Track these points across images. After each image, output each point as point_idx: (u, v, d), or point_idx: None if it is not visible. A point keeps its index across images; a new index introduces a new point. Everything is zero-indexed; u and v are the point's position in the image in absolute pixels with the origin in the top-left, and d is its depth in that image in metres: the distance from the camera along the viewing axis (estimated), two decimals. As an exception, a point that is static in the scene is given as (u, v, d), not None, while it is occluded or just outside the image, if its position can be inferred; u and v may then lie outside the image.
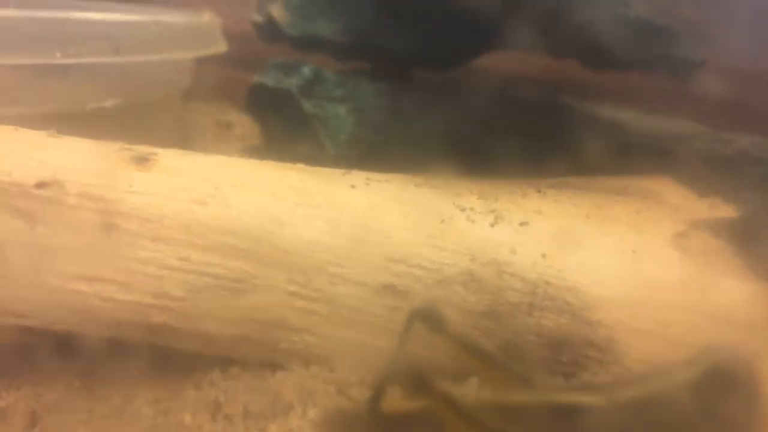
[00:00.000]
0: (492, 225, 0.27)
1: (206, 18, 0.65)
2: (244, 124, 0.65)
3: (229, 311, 0.25)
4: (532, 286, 0.24)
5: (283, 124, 0.58)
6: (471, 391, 0.23)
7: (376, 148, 0.47)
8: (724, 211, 0.26)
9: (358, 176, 0.30)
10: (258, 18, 0.64)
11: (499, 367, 0.23)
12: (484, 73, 0.62)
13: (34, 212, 0.26)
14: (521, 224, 0.27)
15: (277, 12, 0.63)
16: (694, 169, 0.38)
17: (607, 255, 0.25)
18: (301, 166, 0.31)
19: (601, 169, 0.33)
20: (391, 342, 0.24)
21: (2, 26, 0.41)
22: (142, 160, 0.28)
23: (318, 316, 0.25)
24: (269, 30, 0.63)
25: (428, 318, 0.22)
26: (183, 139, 0.65)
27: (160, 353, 0.26)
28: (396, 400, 0.20)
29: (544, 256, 0.25)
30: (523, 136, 0.41)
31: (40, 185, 0.27)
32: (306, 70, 0.58)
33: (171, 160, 0.29)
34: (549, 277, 0.24)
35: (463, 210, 0.28)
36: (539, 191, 0.30)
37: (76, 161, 0.28)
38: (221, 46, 0.66)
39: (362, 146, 0.47)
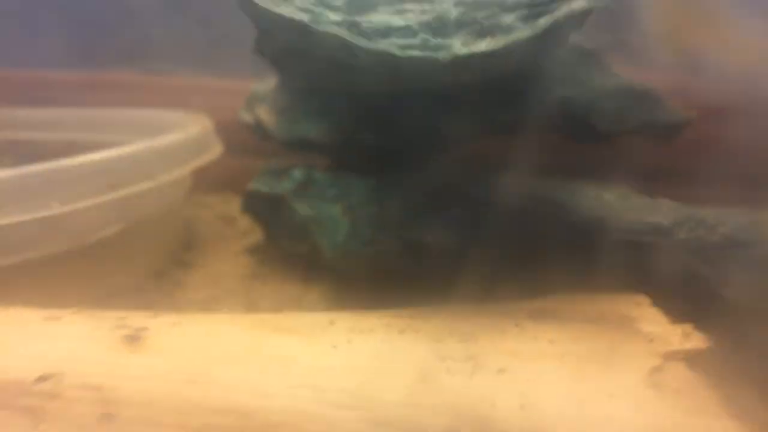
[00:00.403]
0: (471, 375, 0.28)
1: (199, 126, 0.67)
2: (248, 218, 0.66)
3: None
4: (513, 443, 0.25)
5: (282, 226, 0.60)
6: None
7: (370, 258, 0.48)
8: (697, 340, 0.27)
9: (341, 330, 0.31)
10: (247, 118, 0.66)
11: None
12: (468, 163, 0.63)
13: (36, 409, 0.28)
14: (499, 371, 0.28)
15: (264, 114, 0.65)
16: (674, 277, 0.39)
17: (584, 402, 0.26)
18: (285, 320, 0.32)
19: (579, 283, 0.33)
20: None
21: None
22: (134, 340, 0.30)
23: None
24: (258, 131, 0.65)
25: None
26: (188, 242, 0.67)
27: None
28: None
29: (522, 407, 0.26)
30: (512, 245, 0.42)
31: (40, 380, 0.28)
32: (297, 174, 0.59)
33: (161, 337, 0.30)
34: (529, 431, 0.25)
35: (443, 360, 0.28)
36: (517, 325, 0.30)
37: (72, 348, 0.29)
38: (216, 150, 0.68)
39: (357, 254, 0.48)
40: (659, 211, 0.43)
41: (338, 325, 0.31)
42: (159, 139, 0.58)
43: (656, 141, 0.54)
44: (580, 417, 0.25)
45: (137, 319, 0.32)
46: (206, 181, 0.84)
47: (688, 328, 0.28)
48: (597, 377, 0.27)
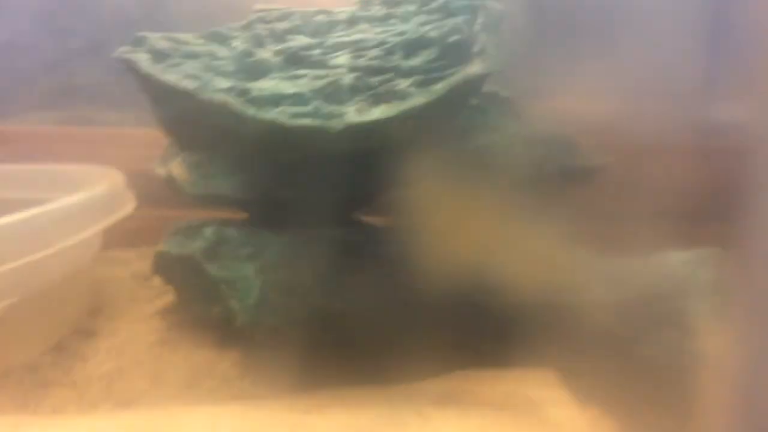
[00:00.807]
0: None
1: (107, 182, 0.63)
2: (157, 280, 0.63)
3: None
4: None
5: (194, 288, 0.57)
6: None
7: (280, 327, 0.45)
8: (605, 427, 0.26)
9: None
10: (161, 172, 0.63)
11: None
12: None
13: None
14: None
15: (177, 170, 0.62)
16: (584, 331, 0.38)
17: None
18: (162, 423, 0.30)
19: (490, 353, 0.32)
20: None
21: None
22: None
23: None
24: (171, 186, 0.62)
25: None
26: (95, 307, 0.62)
27: None
28: None
29: None
30: (420, 313, 0.40)
31: None
32: (208, 232, 0.57)
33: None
34: None
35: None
36: (420, 414, 0.29)
37: None
38: (129, 207, 0.65)
39: (268, 322, 0.46)
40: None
41: (222, 425, 0.29)
42: (57, 202, 0.55)
43: (574, 186, 0.54)
44: None
45: None
46: (122, 234, 0.80)
47: (596, 412, 0.26)
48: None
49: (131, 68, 0.36)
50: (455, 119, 0.50)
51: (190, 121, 0.39)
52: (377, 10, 0.49)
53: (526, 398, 0.28)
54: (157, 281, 0.68)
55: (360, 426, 0.28)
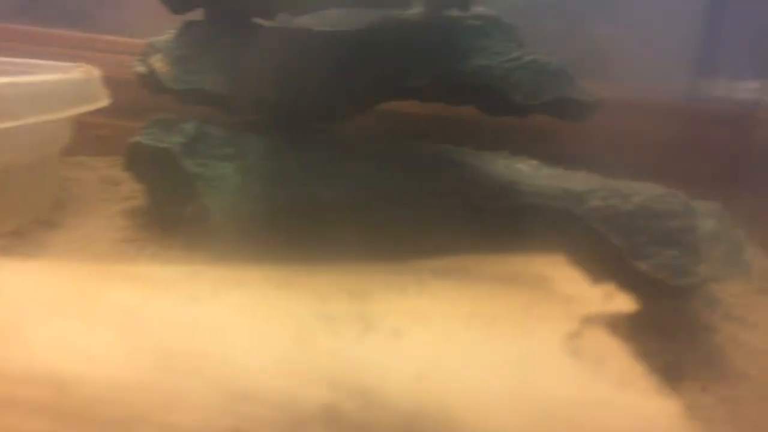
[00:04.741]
0: (360, 339, 0.22)
1: (82, 71, 0.59)
2: (132, 181, 0.59)
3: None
4: (406, 422, 0.20)
5: (167, 185, 0.53)
6: None
7: (264, 215, 0.42)
8: (620, 302, 0.23)
9: (206, 280, 0.25)
10: (141, 69, 0.59)
11: None
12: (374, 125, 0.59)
13: None
14: (394, 334, 0.23)
15: (159, 64, 0.58)
16: (589, 238, 0.36)
17: (493, 373, 0.21)
18: (137, 270, 0.26)
19: (491, 243, 0.29)
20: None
21: None
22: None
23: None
24: (152, 82, 0.58)
25: None
26: (60, 202, 0.58)
27: None
28: None
29: (419, 378, 0.21)
30: (417, 203, 0.38)
31: None
32: (189, 128, 0.53)
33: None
34: (426, 408, 0.20)
35: (327, 320, 0.23)
36: (419, 283, 0.26)
37: None
38: (103, 101, 0.61)
39: (250, 211, 0.42)
40: (572, 179, 0.40)
41: (205, 275, 0.25)
42: (30, 77, 0.51)
43: (567, 120, 0.52)
44: (488, 390, 0.21)
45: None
46: (92, 141, 0.76)
47: (610, 288, 0.24)
48: (508, 342, 0.22)
49: None
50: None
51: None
52: None
53: (533, 275, 0.25)
54: (128, 187, 0.64)
55: (353, 288, 0.25)
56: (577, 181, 0.41)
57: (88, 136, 0.71)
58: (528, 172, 0.43)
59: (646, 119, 0.67)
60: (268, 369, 0.21)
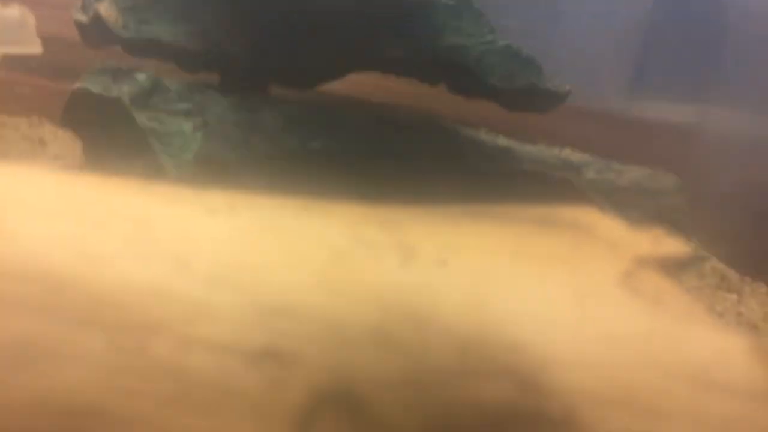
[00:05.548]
0: (403, 266, 0.20)
1: (15, 11, 0.54)
2: (61, 141, 0.54)
3: (11, 393, 0.16)
4: (462, 345, 0.18)
5: (112, 140, 0.48)
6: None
7: (233, 169, 0.39)
8: (670, 246, 0.22)
9: (219, 197, 0.22)
10: (82, 17, 0.54)
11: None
12: (349, 94, 0.57)
13: None
14: (439, 264, 0.21)
15: (106, 10, 0.53)
16: (598, 201, 0.36)
17: (548, 302, 0.20)
18: (133, 183, 0.23)
19: (508, 196, 0.28)
20: None
21: None
22: None
23: (157, 399, 0.17)
24: (96, 31, 0.53)
25: (342, 403, 0.15)
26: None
27: None
28: None
29: (474, 305, 0.19)
30: (413, 159, 0.36)
31: None
32: (142, 78, 0.49)
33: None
34: (482, 333, 0.18)
35: (365, 245, 0.21)
36: (452, 220, 0.24)
37: None
38: (35, 47, 0.55)
39: (214, 166, 0.39)
40: (565, 151, 0.41)
41: (214, 195, 0.22)
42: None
43: (535, 109, 0.53)
44: (548, 319, 0.19)
45: None
46: (11, 100, 0.69)
47: (658, 233, 0.23)
48: (559, 278, 0.21)
49: None
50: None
51: None
52: None
53: (571, 220, 0.24)
54: (55, 147, 0.58)
55: (386, 218, 0.23)
56: (570, 152, 0.41)
57: (6, 94, 0.64)
58: (515, 145, 0.43)
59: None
60: (306, 284, 0.19)
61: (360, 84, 0.54)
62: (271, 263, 0.19)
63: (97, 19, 0.52)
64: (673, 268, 0.22)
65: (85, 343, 0.17)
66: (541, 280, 0.21)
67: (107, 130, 0.48)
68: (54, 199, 0.20)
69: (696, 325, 0.20)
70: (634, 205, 0.38)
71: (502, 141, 0.44)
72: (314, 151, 0.39)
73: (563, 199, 0.36)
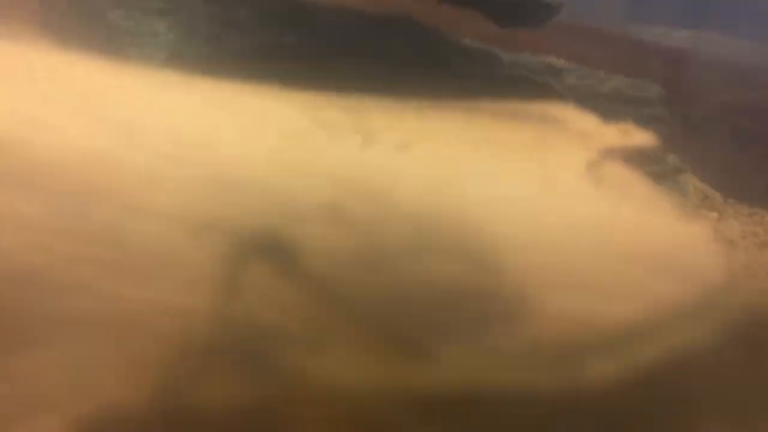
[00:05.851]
0: (363, 148, 0.20)
1: None
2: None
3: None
4: (418, 224, 0.18)
5: (82, 41, 0.47)
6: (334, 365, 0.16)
7: (205, 64, 0.38)
8: (639, 138, 0.22)
9: (177, 77, 0.21)
10: None
11: (376, 328, 0.16)
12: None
13: None
14: (400, 147, 0.20)
15: None
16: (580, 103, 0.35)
17: (511, 187, 0.19)
18: (89, 58, 0.22)
19: (484, 93, 0.27)
20: (217, 305, 0.16)
21: None
22: None
23: (96, 265, 0.16)
24: None
25: (273, 253, 0.14)
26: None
27: None
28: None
29: (433, 186, 0.19)
30: (386, 55, 0.35)
31: None
32: (116, -25, 0.46)
33: None
34: (440, 213, 0.18)
35: (324, 127, 0.20)
36: (418, 109, 0.23)
37: None
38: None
39: (186, 62, 0.37)
40: (549, 59, 0.40)
41: (170, 75, 0.22)
42: None
43: (529, 23, 0.52)
44: (509, 204, 0.19)
45: None
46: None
47: (627, 126, 0.22)
48: (525, 166, 0.20)
49: None
50: None
51: None
52: None
53: (541, 113, 0.24)
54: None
55: (348, 104, 0.22)
56: (551, 60, 0.40)
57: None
58: (499, 52, 0.42)
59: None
60: (257, 159, 0.18)
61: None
62: (222, 138, 0.19)
63: None
64: (640, 159, 0.21)
65: (23, 207, 0.16)
66: (504, 167, 0.20)
67: (77, 31, 0.46)
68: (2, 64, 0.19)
69: (659, 215, 0.19)
70: (613, 111, 0.37)
71: (486, 47, 0.43)
72: (288, 47, 0.37)
73: (541, 99, 0.35)
